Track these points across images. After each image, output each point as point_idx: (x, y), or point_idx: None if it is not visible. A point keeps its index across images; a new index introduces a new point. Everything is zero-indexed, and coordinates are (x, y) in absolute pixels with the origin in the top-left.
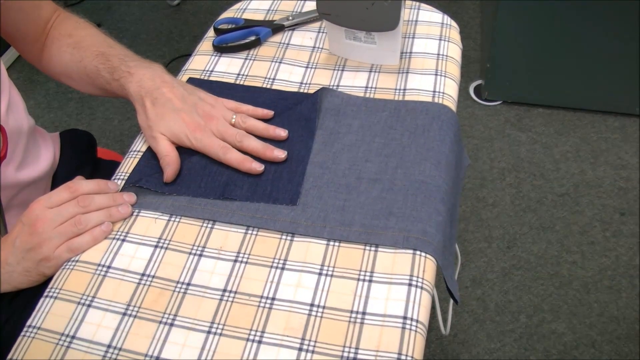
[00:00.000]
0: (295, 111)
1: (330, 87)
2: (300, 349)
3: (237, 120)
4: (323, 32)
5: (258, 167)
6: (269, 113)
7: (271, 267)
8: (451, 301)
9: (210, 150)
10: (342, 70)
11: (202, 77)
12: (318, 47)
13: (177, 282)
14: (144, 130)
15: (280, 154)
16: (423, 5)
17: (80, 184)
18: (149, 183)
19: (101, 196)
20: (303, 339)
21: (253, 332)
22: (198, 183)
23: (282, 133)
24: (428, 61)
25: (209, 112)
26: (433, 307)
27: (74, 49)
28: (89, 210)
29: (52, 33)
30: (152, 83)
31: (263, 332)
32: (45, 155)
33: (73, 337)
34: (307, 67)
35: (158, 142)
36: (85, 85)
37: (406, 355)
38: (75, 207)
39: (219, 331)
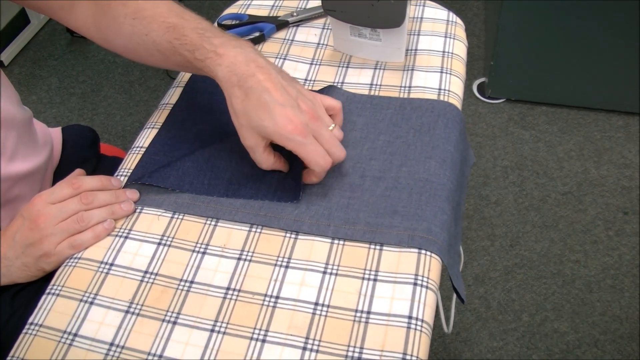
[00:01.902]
0: None
1: (335, 84)
2: (304, 348)
3: (334, 130)
4: (328, 29)
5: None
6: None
7: (275, 265)
8: (454, 299)
9: (313, 158)
10: (347, 67)
11: None
12: (323, 44)
13: (180, 280)
14: (237, 129)
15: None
16: (428, 2)
17: (84, 180)
18: (152, 179)
19: (104, 193)
20: (307, 338)
21: (257, 331)
22: (202, 180)
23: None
24: (433, 58)
25: (313, 110)
26: (436, 306)
27: (134, 20)
28: (92, 207)
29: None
30: (247, 69)
31: (267, 330)
32: (42, 149)
33: (75, 334)
34: (311, 64)
35: (255, 151)
36: (157, 61)
37: (411, 355)
38: (78, 203)
39: (222, 330)
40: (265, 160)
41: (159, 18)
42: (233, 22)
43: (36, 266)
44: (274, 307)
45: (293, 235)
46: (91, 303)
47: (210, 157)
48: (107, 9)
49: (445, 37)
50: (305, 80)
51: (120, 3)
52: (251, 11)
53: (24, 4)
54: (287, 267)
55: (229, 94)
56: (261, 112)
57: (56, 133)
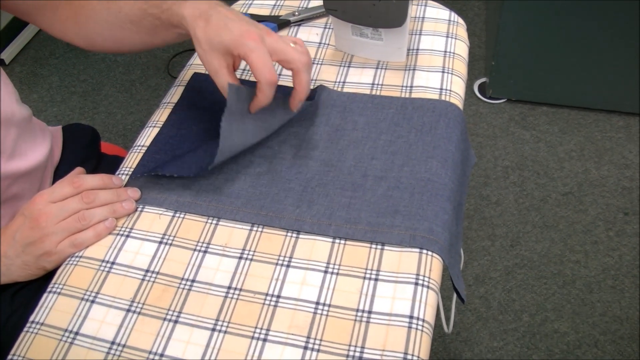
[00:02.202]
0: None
1: (336, 83)
2: (305, 348)
3: (295, 46)
4: (329, 28)
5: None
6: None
7: (276, 264)
8: (454, 299)
9: (259, 66)
10: (349, 66)
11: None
12: (324, 43)
13: (182, 279)
14: (201, 59)
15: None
16: (430, 2)
17: (85, 178)
18: (157, 169)
19: (105, 192)
20: (308, 337)
21: (258, 330)
22: (200, 165)
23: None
24: (435, 58)
25: (268, 30)
26: (437, 306)
27: (109, 5)
28: (93, 205)
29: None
30: (209, 6)
31: (268, 330)
32: (41, 147)
33: (76, 333)
34: (313, 63)
35: (218, 73)
36: (131, 36)
37: (412, 355)
38: (80, 202)
39: (223, 329)
40: (230, 81)
41: None
42: None
43: (37, 265)
44: (275, 306)
45: (294, 235)
46: (92, 302)
47: (211, 155)
48: (80, 8)
49: (447, 37)
50: None
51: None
52: (253, 10)
53: (8, 11)
54: (288, 266)
55: (193, 27)
56: (221, 30)
57: (57, 131)
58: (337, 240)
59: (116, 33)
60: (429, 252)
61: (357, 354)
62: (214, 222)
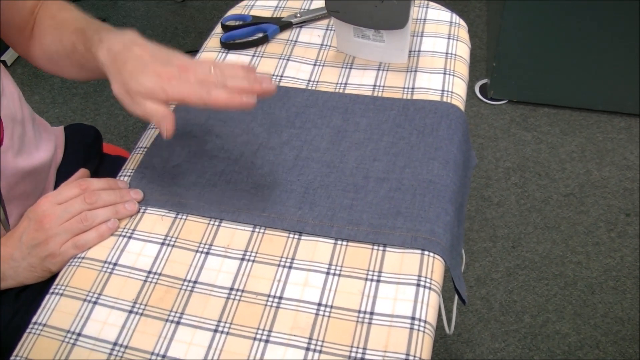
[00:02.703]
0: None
1: (338, 85)
2: (307, 349)
3: (215, 71)
4: (331, 30)
5: (251, 99)
6: (265, 82)
7: (278, 265)
8: (455, 300)
9: (191, 96)
10: (350, 68)
11: None
12: (326, 45)
13: (184, 280)
14: (122, 100)
15: (268, 84)
16: (431, 3)
17: (91, 182)
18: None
19: (108, 192)
20: (310, 338)
21: (260, 331)
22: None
23: (267, 84)
24: (437, 60)
25: (184, 64)
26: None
27: (54, 30)
28: (96, 206)
29: (37, 20)
30: (122, 45)
31: (270, 331)
32: (46, 145)
33: (79, 334)
34: (315, 65)
35: (141, 105)
36: (67, 67)
37: (414, 356)
38: (82, 203)
39: (225, 330)
40: (149, 107)
41: (71, 25)
42: (236, 23)
43: (42, 267)
44: (277, 307)
45: (296, 236)
46: (95, 303)
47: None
48: (39, 25)
49: (449, 38)
50: (308, 81)
51: (49, 17)
52: (255, 12)
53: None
54: (290, 267)
55: (109, 76)
56: (137, 74)
57: (59, 132)
58: (339, 242)
59: (56, 61)
60: (431, 254)
61: (359, 355)
62: (216, 223)
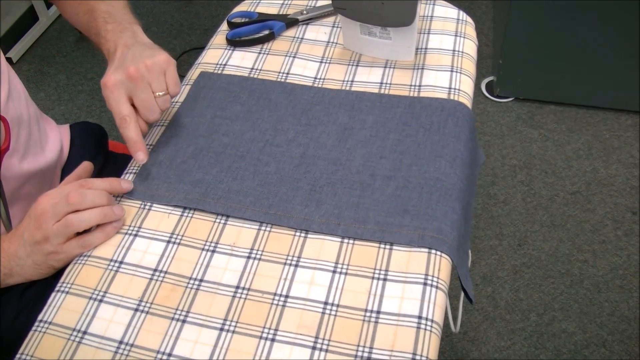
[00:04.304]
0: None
1: (344, 82)
2: (314, 348)
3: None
4: (337, 27)
5: (143, 157)
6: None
7: (285, 264)
8: (461, 298)
9: (115, 114)
10: (357, 65)
11: (215, 70)
12: (332, 42)
13: (190, 278)
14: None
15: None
16: (438, 0)
17: (93, 182)
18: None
19: (94, 192)
20: (317, 337)
21: (266, 330)
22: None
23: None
24: (444, 57)
25: (137, 71)
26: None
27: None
28: (81, 207)
29: None
30: (123, 49)
31: (276, 330)
32: (52, 145)
33: (84, 332)
34: (321, 62)
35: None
36: (84, 31)
37: (421, 356)
38: (66, 204)
39: (231, 328)
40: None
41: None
42: (243, 20)
43: (46, 264)
44: (284, 306)
45: (303, 234)
46: (100, 301)
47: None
48: None
49: (456, 35)
50: (315, 78)
51: None
52: (261, 9)
53: None
54: (296, 266)
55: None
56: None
57: (64, 130)
58: (346, 240)
59: (76, 25)
60: (438, 252)
61: (366, 354)
62: (222, 221)
